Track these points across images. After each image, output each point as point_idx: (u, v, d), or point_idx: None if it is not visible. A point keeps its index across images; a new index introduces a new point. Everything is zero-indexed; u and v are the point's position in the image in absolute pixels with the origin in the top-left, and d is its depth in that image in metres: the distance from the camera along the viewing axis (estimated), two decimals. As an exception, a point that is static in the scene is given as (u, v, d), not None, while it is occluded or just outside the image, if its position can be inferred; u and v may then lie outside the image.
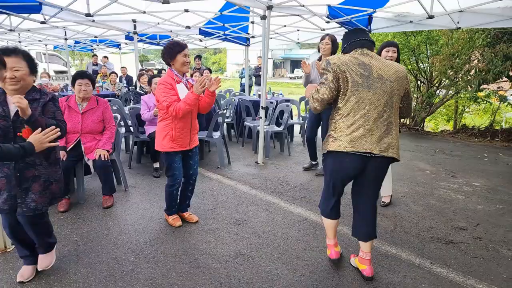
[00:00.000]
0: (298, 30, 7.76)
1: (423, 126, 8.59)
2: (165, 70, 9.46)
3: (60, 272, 2.30)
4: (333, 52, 4.20)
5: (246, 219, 3.20)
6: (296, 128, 7.12)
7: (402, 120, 8.74)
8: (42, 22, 6.06)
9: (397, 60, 3.30)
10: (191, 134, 2.89)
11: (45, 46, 12.88)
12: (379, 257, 2.63)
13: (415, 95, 8.24)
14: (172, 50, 2.71)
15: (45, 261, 2.25)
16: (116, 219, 3.13)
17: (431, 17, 5.10)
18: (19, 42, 10.86)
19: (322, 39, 4.17)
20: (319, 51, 4.28)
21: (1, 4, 4.90)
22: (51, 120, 2.05)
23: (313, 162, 4.82)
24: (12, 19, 6.95)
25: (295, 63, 42.71)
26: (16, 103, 1.81)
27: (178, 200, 3.07)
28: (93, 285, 2.19)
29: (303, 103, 6.99)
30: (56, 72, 15.07)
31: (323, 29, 6.76)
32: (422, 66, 8.13)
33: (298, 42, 8.36)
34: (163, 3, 4.13)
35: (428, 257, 2.65)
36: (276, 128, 5.54)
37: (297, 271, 2.42)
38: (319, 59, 4.33)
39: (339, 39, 4.32)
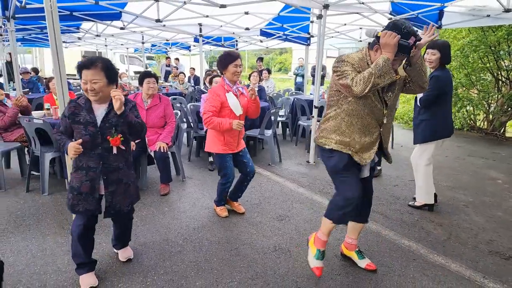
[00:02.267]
0: (360, 28, 7.52)
1: (504, 131, 7.65)
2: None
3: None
4: None
5: (290, 215, 3.27)
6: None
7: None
8: (122, 28, 6.85)
9: (445, 61, 3.13)
10: (239, 138, 3.10)
11: (126, 49, 14.37)
12: (424, 265, 2.49)
13: (494, 97, 7.39)
14: (225, 60, 2.92)
15: (128, 252, 2.50)
16: (171, 206, 3.45)
17: (507, 10, 4.56)
18: (105, 45, 12.32)
19: None
20: None
21: (89, 13, 5.68)
22: (136, 119, 2.13)
23: (378, 167, 4.52)
24: (98, 26, 7.95)
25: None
26: (115, 96, 1.93)
27: (233, 190, 3.29)
28: (145, 262, 2.48)
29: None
30: (136, 72, 16.72)
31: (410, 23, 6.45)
32: (503, 65, 7.24)
33: (360, 41, 8.08)
34: (220, 7, 4.39)
35: (481, 271, 2.43)
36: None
37: (334, 270, 2.43)
38: None
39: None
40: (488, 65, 7.27)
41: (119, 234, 2.45)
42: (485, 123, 7.82)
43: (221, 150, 3.03)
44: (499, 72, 7.29)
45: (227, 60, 2.91)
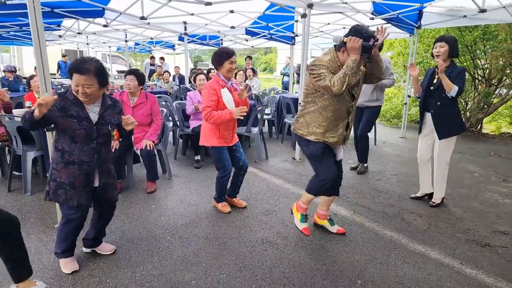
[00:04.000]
0: (344, 28, 7.66)
1: (481, 127, 7.96)
2: (213, 69, 9.93)
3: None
4: (379, 49, 4.12)
5: (276, 210, 3.33)
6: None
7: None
8: (105, 26, 6.75)
9: (453, 54, 3.14)
10: (233, 132, 3.18)
11: (109, 48, 14.14)
12: (405, 254, 2.60)
13: (471, 95, 7.67)
14: (220, 57, 2.98)
15: (108, 246, 2.52)
16: (158, 203, 3.45)
17: (482, 11, 4.77)
18: (87, 44, 12.10)
19: None
20: None
21: (70, 10, 5.58)
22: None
23: (365, 165, 4.64)
24: (80, 23, 7.80)
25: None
26: (130, 122, 2.18)
27: (230, 188, 3.33)
28: (133, 257, 2.48)
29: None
30: (119, 72, 16.47)
31: (368, 26, 6.60)
32: (479, 64, 7.54)
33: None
34: (206, 4, 4.41)
35: (459, 258, 2.56)
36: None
37: (320, 260, 2.50)
38: None
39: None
40: (465, 64, 7.55)
41: (101, 229, 2.47)
42: (463, 120, 8.11)
43: (216, 143, 3.08)
44: (476, 71, 7.58)
45: (223, 56, 2.96)
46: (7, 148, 4.12)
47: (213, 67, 3.19)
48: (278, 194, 3.73)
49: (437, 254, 2.60)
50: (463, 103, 7.76)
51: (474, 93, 7.61)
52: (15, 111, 3.91)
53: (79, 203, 2.12)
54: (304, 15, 4.70)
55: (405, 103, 6.92)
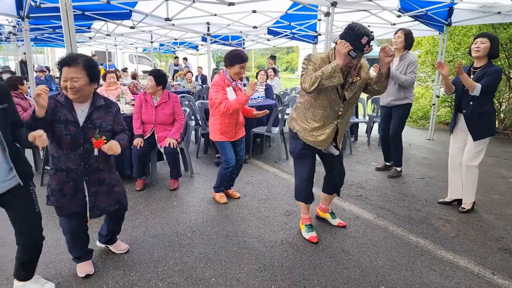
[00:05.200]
0: (368, 26, 7.48)
1: (516, 130, 7.54)
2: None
3: (130, 239, 2.70)
4: (407, 47, 4.02)
5: (297, 211, 3.29)
6: (362, 127, 6.90)
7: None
8: (132, 27, 6.94)
9: (494, 53, 2.97)
10: (237, 128, 3.32)
11: (135, 49, 14.54)
12: (432, 261, 2.50)
13: (505, 95, 7.29)
14: (234, 59, 3.09)
15: (121, 246, 2.54)
16: (180, 200, 3.51)
17: (519, 6, 4.51)
18: (115, 45, 12.49)
19: (395, 33, 4.08)
20: (391, 46, 4.15)
21: (100, 12, 5.78)
22: (124, 136, 2.13)
23: (387, 163, 4.57)
24: (109, 25, 8.07)
25: (372, 61, 40.56)
26: (111, 152, 1.92)
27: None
28: (156, 253, 2.53)
29: (369, 101, 6.74)
30: (144, 72, 16.91)
31: (394, 24, 6.43)
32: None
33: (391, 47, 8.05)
34: (228, 5, 4.43)
35: (490, 267, 2.43)
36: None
37: (341, 263, 2.45)
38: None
39: (414, 34, 4.13)
40: (499, 63, 7.18)
41: (111, 229, 2.43)
42: (496, 121, 7.72)
43: (218, 138, 3.26)
44: (510, 70, 7.19)
45: (237, 59, 3.08)
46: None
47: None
48: (299, 195, 3.69)
49: (466, 263, 2.49)
50: (497, 104, 7.39)
51: (509, 94, 7.23)
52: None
53: (71, 212, 2.03)
54: (327, 14, 4.63)
55: (433, 104, 6.68)
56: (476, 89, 2.91)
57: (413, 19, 5.84)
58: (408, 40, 3.98)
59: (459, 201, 3.42)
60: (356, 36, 2.22)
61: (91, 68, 1.92)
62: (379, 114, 6.35)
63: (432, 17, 5.75)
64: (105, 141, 1.94)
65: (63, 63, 1.87)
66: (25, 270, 2.00)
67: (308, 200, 2.78)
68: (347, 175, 4.34)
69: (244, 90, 3.26)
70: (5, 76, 6.60)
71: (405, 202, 3.55)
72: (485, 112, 3.05)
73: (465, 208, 3.31)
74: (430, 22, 5.93)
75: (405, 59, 4.00)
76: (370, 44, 2.25)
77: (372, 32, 2.29)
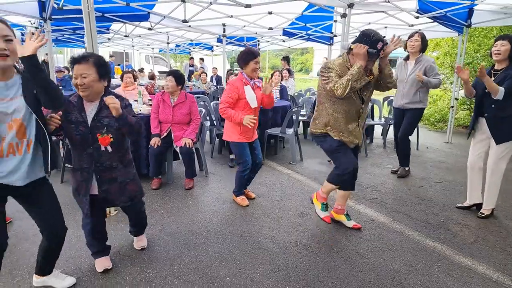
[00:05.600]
0: (385, 27, 7.41)
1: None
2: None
3: (147, 237, 2.74)
4: (422, 50, 4.03)
5: (311, 212, 3.29)
6: (378, 130, 6.82)
7: None
8: (149, 29, 7.07)
9: None
10: (254, 129, 3.31)
11: (152, 50, 14.78)
12: (450, 266, 2.46)
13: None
14: (247, 57, 3.10)
15: (142, 242, 2.62)
16: (195, 199, 3.56)
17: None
18: (132, 46, 12.73)
19: (410, 36, 4.06)
20: (405, 49, 4.11)
21: (119, 14, 5.91)
22: (132, 118, 2.07)
23: (406, 168, 4.47)
24: (127, 26, 8.24)
25: (392, 63, 39.75)
26: (110, 104, 1.90)
27: None
28: (171, 251, 2.58)
29: (386, 103, 6.65)
30: (160, 72, 17.16)
31: (412, 25, 6.33)
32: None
33: (401, 38, 7.94)
34: (245, 7, 4.46)
35: (510, 274, 2.37)
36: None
37: (356, 266, 2.44)
38: (406, 58, 4.18)
39: (432, 35, 4.09)
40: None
41: (132, 224, 2.54)
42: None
43: (237, 139, 3.23)
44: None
45: (249, 57, 3.09)
46: (61, 142, 4.45)
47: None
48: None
49: (485, 269, 2.43)
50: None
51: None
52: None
53: (86, 209, 2.09)
54: (344, 15, 4.60)
55: (452, 106, 6.54)
56: (499, 92, 2.85)
57: (432, 20, 5.75)
58: (424, 43, 4.01)
59: (478, 206, 3.34)
60: (372, 42, 2.37)
61: (100, 66, 1.96)
62: (395, 116, 6.30)
63: (451, 18, 5.64)
64: (111, 138, 1.98)
65: (74, 61, 1.93)
66: (46, 262, 2.06)
67: (351, 187, 2.92)
68: (363, 177, 4.34)
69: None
70: (28, 76, 6.84)
71: (422, 206, 3.50)
72: (508, 116, 2.97)
73: (484, 214, 3.23)
74: (449, 23, 5.82)
75: (421, 61, 3.99)
76: (384, 48, 2.40)
77: (384, 36, 2.44)
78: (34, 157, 1.78)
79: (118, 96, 2.09)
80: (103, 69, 1.97)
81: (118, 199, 2.15)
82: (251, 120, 3.02)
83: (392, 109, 4.42)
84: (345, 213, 3.03)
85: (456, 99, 6.50)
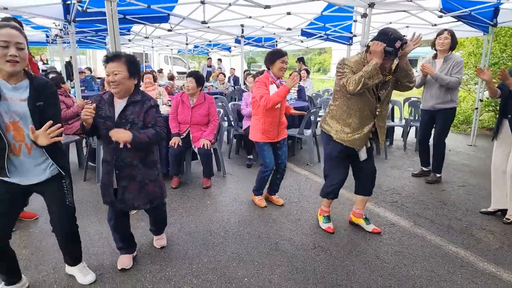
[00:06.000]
0: (407, 27, 7.25)
1: None
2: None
3: (166, 235, 2.78)
4: (452, 48, 3.88)
5: (330, 215, 3.25)
6: (398, 131, 6.69)
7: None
8: (169, 30, 7.18)
9: None
10: (279, 128, 3.25)
11: (170, 51, 15.00)
12: (473, 273, 2.38)
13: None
14: (273, 56, 3.11)
15: (162, 240, 2.66)
16: (213, 199, 3.59)
17: None
18: (152, 47, 12.96)
19: (439, 33, 3.91)
20: (433, 47, 3.99)
21: (140, 16, 6.04)
22: (150, 131, 2.07)
23: (425, 169, 4.39)
24: (147, 28, 8.39)
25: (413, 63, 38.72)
26: (114, 138, 1.94)
27: (268, 185, 3.46)
28: (190, 250, 2.61)
29: (406, 104, 6.51)
30: (179, 73, 17.40)
31: (435, 25, 6.16)
32: None
33: (422, 37, 7.77)
34: (264, 8, 4.46)
35: (539, 284, 2.28)
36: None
37: (375, 271, 2.40)
38: (435, 56, 4.03)
39: (456, 35, 3.95)
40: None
41: (152, 223, 2.59)
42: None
43: (260, 138, 3.21)
44: None
45: (276, 56, 3.09)
46: (84, 141, 4.59)
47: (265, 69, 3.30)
48: (331, 199, 3.65)
49: (510, 276, 2.34)
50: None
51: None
52: (91, 109, 4.33)
53: (107, 200, 2.18)
54: (364, 15, 4.53)
55: (476, 108, 6.33)
56: None
57: (456, 20, 5.58)
58: (454, 41, 3.86)
59: (503, 211, 3.22)
60: (390, 41, 2.31)
61: (131, 64, 2.03)
62: (416, 118, 6.15)
63: (476, 18, 5.46)
64: None
65: (107, 60, 2.03)
66: (65, 254, 2.15)
67: (334, 197, 2.93)
68: (382, 180, 4.26)
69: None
70: (51, 76, 7.08)
71: (444, 211, 3.41)
72: None
73: (509, 219, 3.12)
74: (474, 23, 5.63)
75: (450, 60, 3.85)
76: (403, 47, 2.32)
77: (404, 36, 2.35)
78: (37, 159, 1.85)
79: (146, 97, 2.14)
80: (134, 67, 2.05)
81: (136, 200, 2.16)
82: (292, 77, 3.08)
83: (420, 111, 4.24)
84: (364, 217, 3.00)
85: (481, 100, 6.29)
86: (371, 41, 2.41)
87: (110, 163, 2.11)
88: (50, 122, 1.69)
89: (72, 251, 2.16)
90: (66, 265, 2.25)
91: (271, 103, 3.03)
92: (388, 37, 2.32)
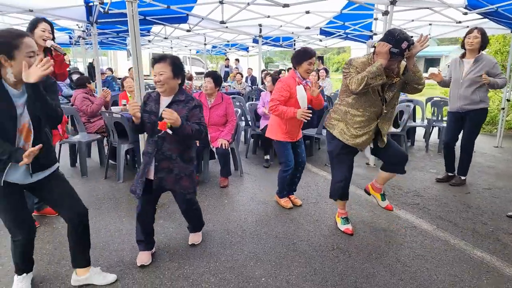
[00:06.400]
0: (430, 24, 7.05)
1: None
2: (284, 70, 9.97)
3: (185, 234, 2.81)
4: (482, 47, 3.64)
5: (348, 216, 3.20)
6: (419, 132, 6.51)
7: None
8: (188, 30, 7.26)
9: None
10: (299, 128, 3.22)
11: (189, 51, 15.16)
12: (499, 279, 2.28)
13: None
14: (301, 57, 3.00)
15: (195, 238, 2.70)
16: (230, 199, 3.60)
17: None
18: (171, 47, 13.14)
19: (469, 32, 3.67)
20: (463, 47, 3.76)
21: (159, 17, 6.13)
22: (195, 125, 2.20)
23: (450, 174, 4.18)
24: (166, 29, 8.52)
25: (430, 62, 37.53)
26: (166, 116, 2.04)
27: (287, 183, 3.38)
28: (208, 248, 2.62)
29: (429, 104, 6.33)
30: (197, 73, 17.59)
31: (459, 22, 5.97)
32: None
33: (430, 38, 7.56)
34: (283, 6, 4.44)
35: None
36: (393, 130, 5.22)
37: (396, 274, 2.34)
38: (463, 55, 3.79)
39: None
40: None
41: (187, 221, 2.65)
42: None
43: (281, 138, 3.15)
44: None
45: (304, 57, 2.98)
46: (105, 139, 4.70)
47: (282, 69, 3.23)
48: (350, 200, 3.53)
49: (542, 285, 2.23)
50: None
51: None
52: (113, 108, 4.44)
53: (134, 190, 2.26)
54: (386, 13, 4.44)
55: (503, 108, 6.09)
56: None
57: (481, 17, 5.37)
58: (485, 40, 3.60)
59: None
60: (397, 41, 2.29)
61: (175, 65, 2.18)
62: (439, 118, 5.97)
63: (503, 14, 5.23)
64: (169, 125, 2.10)
65: (154, 61, 2.19)
66: (78, 251, 2.10)
67: (343, 198, 2.88)
68: (403, 181, 4.15)
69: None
70: (75, 76, 7.29)
71: (469, 214, 3.28)
72: None
73: None
74: (500, 20, 5.41)
75: (481, 61, 3.62)
76: (411, 48, 2.30)
77: (412, 37, 2.33)
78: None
79: (190, 98, 2.27)
80: (177, 68, 2.20)
81: (172, 187, 2.28)
82: (305, 113, 2.86)
83: (448, 112, 4.04)
84: (382, 193, 2.99)
85: (508, 100, 6.04)
86: (378, 41, 2.40)
87: (150, 155, 2.23)
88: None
89: (84, 245, 2.11)
90: (75, 275, 2.15)
91: (276, 113, 2.99)
92: (395, 37, 2.31)
